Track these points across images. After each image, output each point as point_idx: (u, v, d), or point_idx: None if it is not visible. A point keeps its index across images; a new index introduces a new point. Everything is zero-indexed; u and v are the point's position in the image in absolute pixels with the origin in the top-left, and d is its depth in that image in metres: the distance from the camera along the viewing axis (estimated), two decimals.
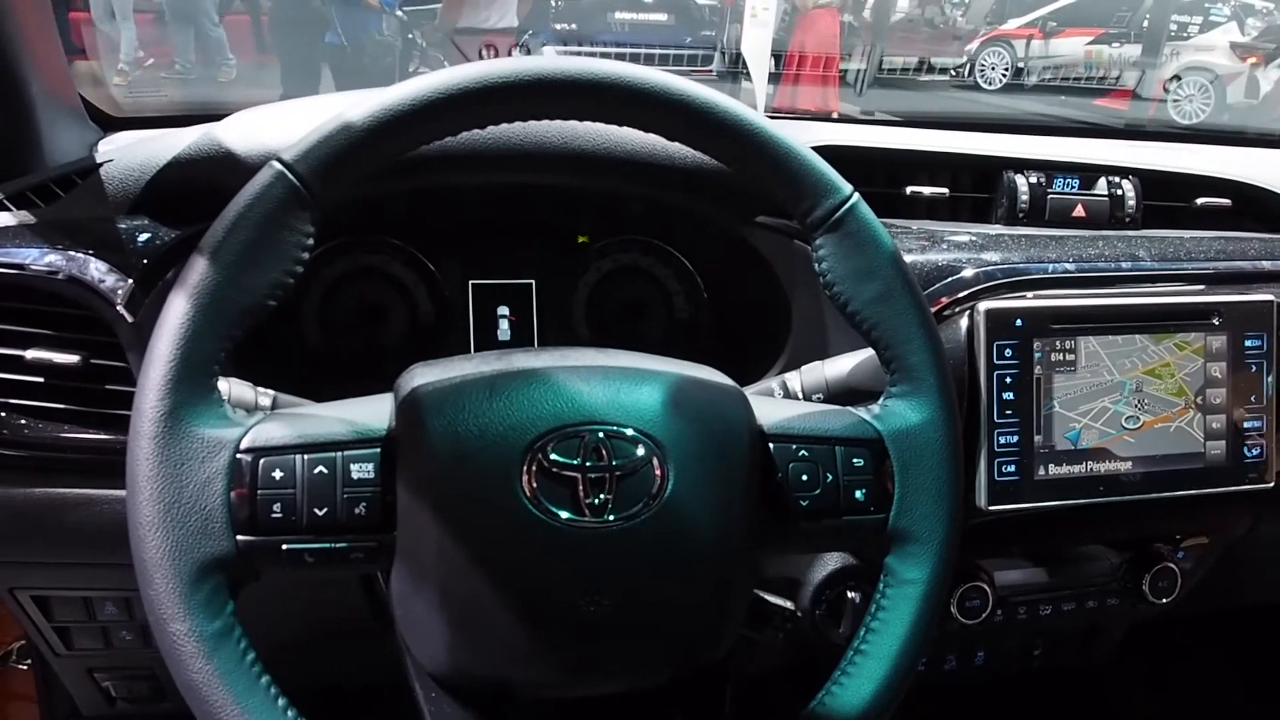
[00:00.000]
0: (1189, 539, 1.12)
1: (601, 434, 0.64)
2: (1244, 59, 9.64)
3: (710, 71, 8.00)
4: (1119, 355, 0.98)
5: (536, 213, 1.03)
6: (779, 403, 0.78)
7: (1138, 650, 1.31)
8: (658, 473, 0.65)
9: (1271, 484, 1.02)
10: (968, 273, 0.95)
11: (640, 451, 0.65)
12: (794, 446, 0.71)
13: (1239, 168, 1.16)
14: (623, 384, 0.67)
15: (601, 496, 0.63)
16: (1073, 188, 1.08)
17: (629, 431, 0.65)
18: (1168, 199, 1.12)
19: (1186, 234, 1.09)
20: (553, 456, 0.62)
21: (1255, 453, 1.02)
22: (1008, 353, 0.94)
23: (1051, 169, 1.08)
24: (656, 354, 0.73)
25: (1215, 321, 1.00)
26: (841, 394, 0.84)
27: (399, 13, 7.01)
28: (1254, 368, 1.02)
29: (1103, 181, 1.09)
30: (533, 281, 1.07)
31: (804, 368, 0.88)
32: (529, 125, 0.89)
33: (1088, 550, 1.10)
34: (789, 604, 0.81)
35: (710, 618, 0.68)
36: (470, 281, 1.05)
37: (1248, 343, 1.01)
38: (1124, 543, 1.10)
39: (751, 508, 0.69)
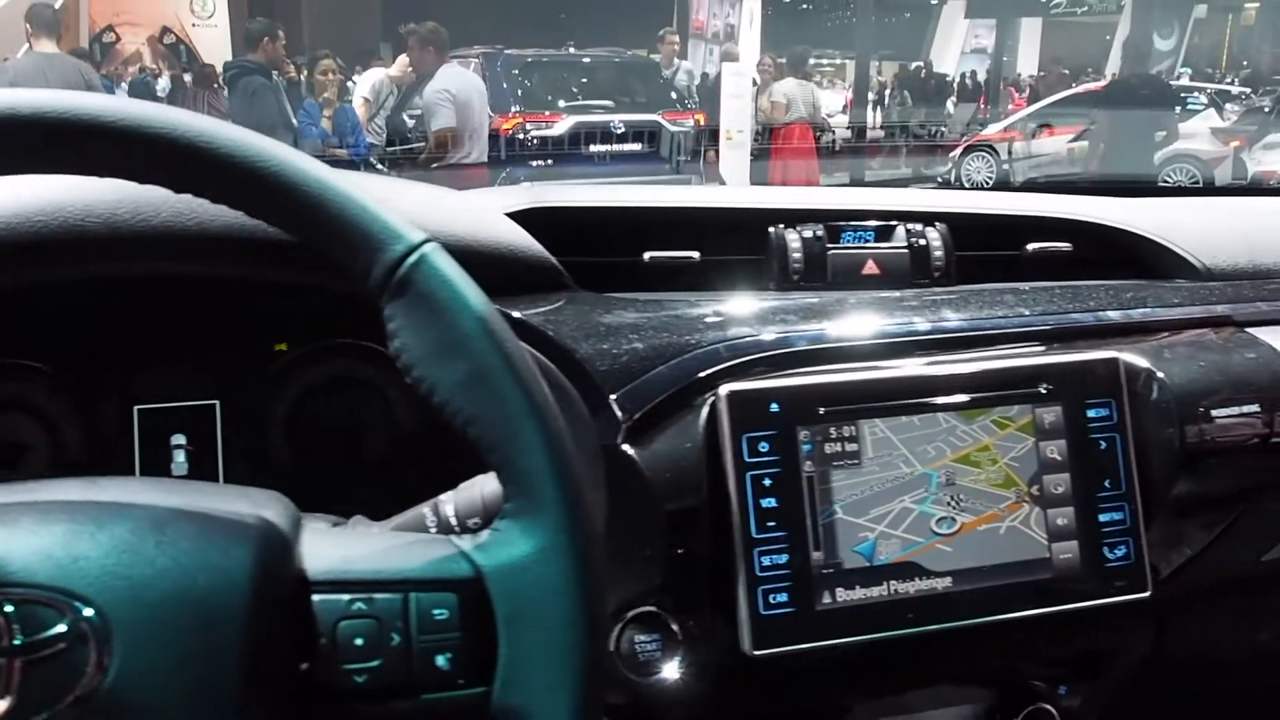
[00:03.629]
0: (1071, 669, 0.88)
1: (9, 603, 0.44)
2: (1226, 143, 9.63)
3: None
4: (918, 441, 0.77)
5: (218, 315, 0.85)
6: (350, 536, 0.58)
7: None
8: (93, 657, 0.44)
9: (1148, 593, 0.79)
10: (705, 350, 0.75)
11: (62, 627, 0.44)
12: (346, 598, 0.51)
13: (1091, 209, 0.97)
14: (67, 527, 0.47)
15: None
16: (866, 240, 0.89)
17: (50, 596, 0.45)
18: (994, 247, 0.92)
19: (1011, 286, 0.89)
20: None
21: (1120, 554, 0.79)
22: (763, 447, 0.73)
23: (836, 219, 0.89)
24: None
25: (1043, 390, 0.79)
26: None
27: (377, 164, 7.08)
28: (1103, 445, 0.80)
29: (901, 231, 0.90)
30: (216, 403, 0.88)
31: (462, 485, 0.67)
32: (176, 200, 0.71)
33: (940, 690, 0.86)
34: None
35: None
36: (136, 408, 0.87)
37: (1091, 414, 0.80)
38: (986, 681, 0.87)
39: (264, 694, 0.47)
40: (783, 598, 0.73)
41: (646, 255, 0.85)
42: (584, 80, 8.06)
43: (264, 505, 0.53)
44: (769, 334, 0.77)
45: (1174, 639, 0.92)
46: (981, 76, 16.39)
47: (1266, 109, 10.37)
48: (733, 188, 1.11)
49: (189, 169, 0.52)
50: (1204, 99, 11.01)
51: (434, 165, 6.34)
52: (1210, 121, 10.17)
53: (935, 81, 11.60)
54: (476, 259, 0.75)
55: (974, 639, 0.78)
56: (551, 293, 0.78)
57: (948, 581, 0.76)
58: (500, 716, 0.51)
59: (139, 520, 0.48)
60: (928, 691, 0.84)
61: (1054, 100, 10.36)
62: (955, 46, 19.74)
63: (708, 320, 0.77)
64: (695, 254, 0.85)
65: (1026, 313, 0.84)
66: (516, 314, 0.73)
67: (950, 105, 14.32)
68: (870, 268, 0.88)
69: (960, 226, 0.91)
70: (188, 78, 9.61)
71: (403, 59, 6.22)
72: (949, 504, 0.77)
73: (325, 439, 0.90)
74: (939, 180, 10.26)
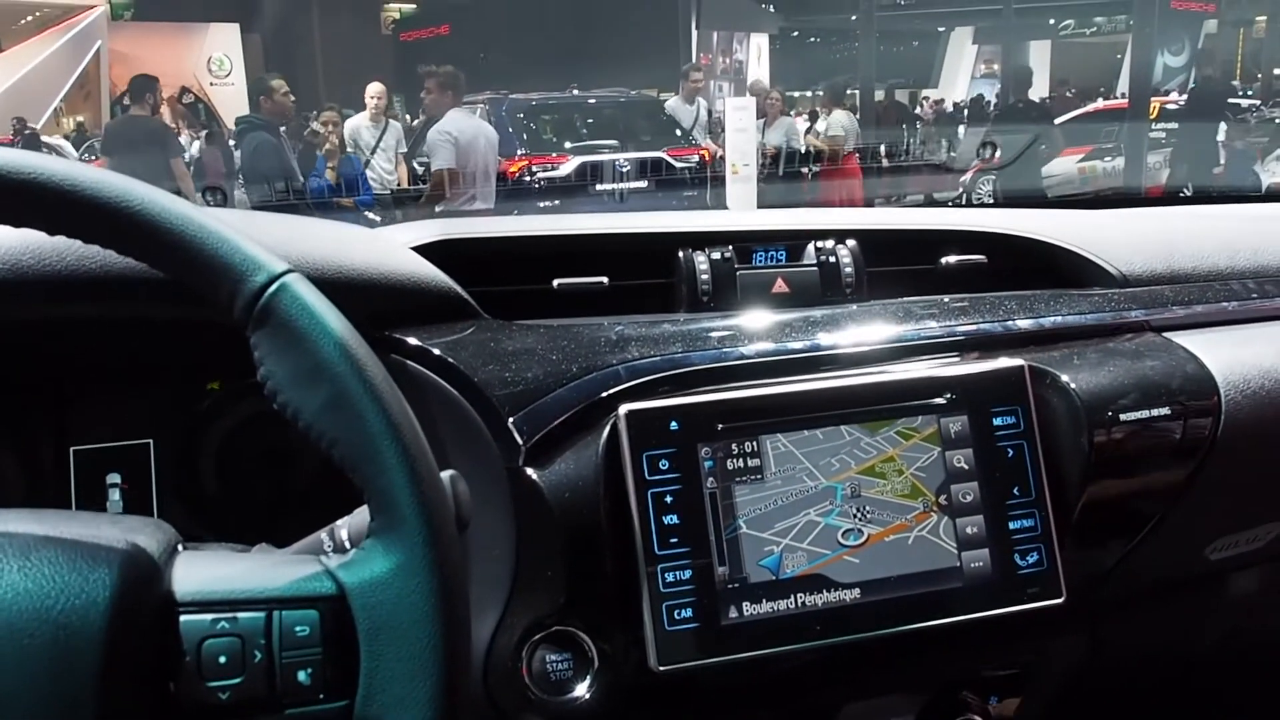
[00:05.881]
0: (998, 680, 0.88)
1: None
2: None
3: None
4: (821, 454, 0.78)
5: (149, 355, 0.88)
6: (222, 558, 0.60)
7: None
8: None
9: (1061, 599, 0.79)
10: (605, 371, 0.77)
11: None
12: (210, 617, 0.52)
13: (1004, 221, 0.98)
14: None
15: None
16: (777, 260, 0.91)
17: None
18: (909, 262, 0.94)
19: (922, 299, 0.90)
20: None
21: (1032, 560, 0.80)
22: (663, 464, 0.75)
23: (746, 241, 0.90)
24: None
25: (946, 399, 0.80)
26: None
27: (370, 214, 7.14)
28: (1011, 452, 0.81)
29: (811, 249, 0.91)
30: (150, 441, 0.90)
31: (357, 510, 0.69)
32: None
33: (861, 704, 0.86)
34: None
35: None
36: (72, 448, 0.89)
37: (998, 420, 0.81)
38: (909, 694, 0.87)
39: (124, 713, 0.49)
40: (688, 613, 0.74)
41: (556, 282, 0.87)
42: (589, 121, 8.15)
43: (137, 531, 0.55)
44: (670, 354, 0.79)
45: (1106, 647, 0.92)
46: (991, 100, 16.40)
47: (1278, 120, 10.32)
48: (641, 214, 1.12)
49: (58, 213, 0.54)
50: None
51: (438, 209, 6.42)
52: (1219, 135, 10.14)
53: (896, 111, 11.69)
54: (379, 291, 0.78)
55: (889, 651, 0.79)
56: (457, 322, 0.81)
57: (856, 593, 0.77)
58: None
59: (6, 548, 0.51)
60: (849, 705, 0.84)
61: (1062, 121, 10.35)
62: (965, 73, 19.81)
63: (611, 342, 0.79)
64: (604, 279, 0.87)
65: (935, 325, 0.86)
66: (414, 341, 0.76)
67: (961, 130, 14.34)
68: (780, 286, 0.90)
69: (873, 243, 0.93)
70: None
71: (371, 105, 6.30)
72: (855, 516, 0.78)
73: (256, 472, 0.92)
74: (950, 203, 10.26)
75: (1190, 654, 1.01)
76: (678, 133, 8.02)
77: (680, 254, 0.90)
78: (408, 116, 9.66)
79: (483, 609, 0.75)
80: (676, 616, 0.73)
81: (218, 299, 0.56)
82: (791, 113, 9.78)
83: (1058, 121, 10.61)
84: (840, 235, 0.92)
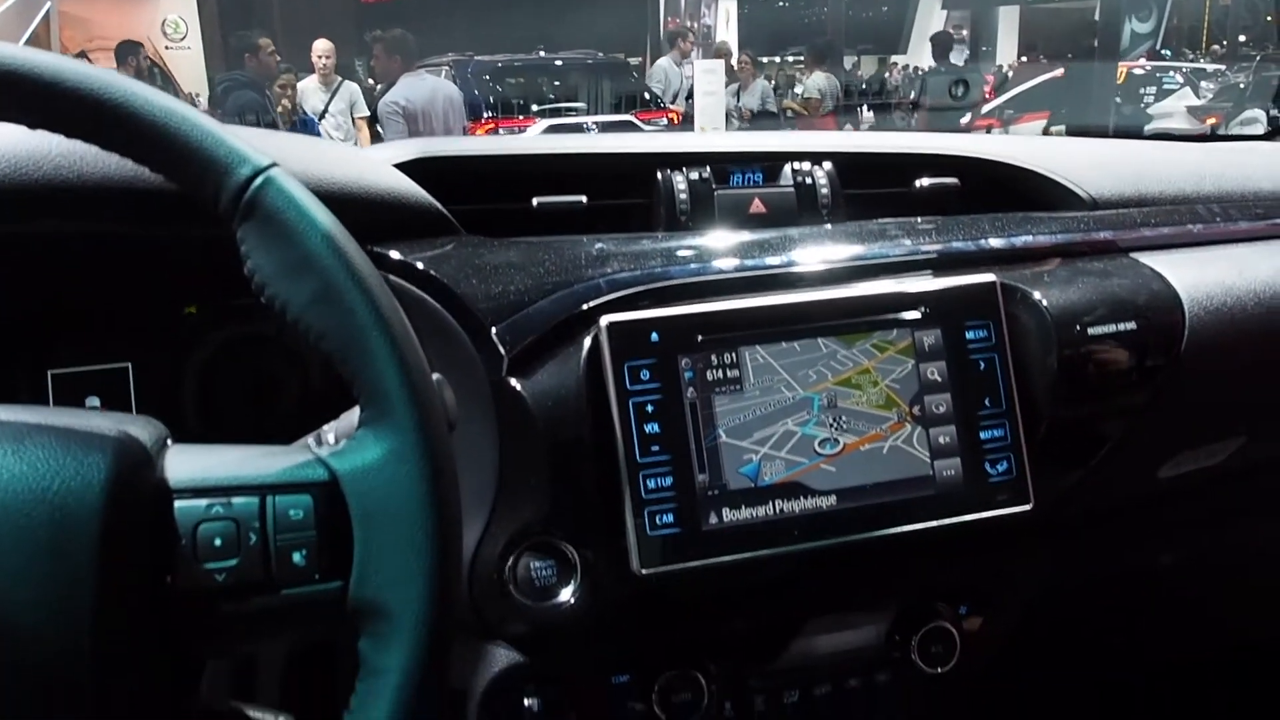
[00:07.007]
0: (969, 592, 0.91)
1: None
2: (1203, 120, 9.69)
3: None
4: (798, 366, 0.79)
5: (125, 278, 0.88)
6: (212, 450, 0.60)
7: None
8: None
9: (1029, 505, 0.82)
10: (587, 284, 0.78)
11: None
12: (204, 503, 0.53)
13: (978, 145, 0.99)
14: None
15: None
16: (755, 181, 0.92)
17: None
18: (884, 185, 0.95)
19: (897, 221, 0.92)
20: None
21: (1002, 469, 0.82)
22: (644, 375, 0.76)
23: (724, 162, 0.91)
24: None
25: (920, 313, 0.82)
26: None
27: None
28: (982, 364, 0.83)
29: (788, 170, 0.92)
30: (129, 365, 0.90)
31: (343, 415, 0.70)
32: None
33: (837, 611, 0.88)
34: (278, 718, 0.61)
35: None
36: (50, 371, 0.89)
37: (970, 334, 0.83)
38: (882, 601, 0.89)
39: (121, 594, 0.50)
40: (669, 519, 0.75)
41: (535, 201, 0.88)
42: (556, 84, 8.09)
43: (129, 423, 0.55)
44: (651, 269, 0.80)
45: (1072, 561, 0.95)
46: (960, 83, 16.42)
47: (1242, 85, 10.44)
48: (620, 134, 1.13)
49: (42, 104, 0.54)
50: (1180, 78, 11.08)
51: None
52: (1186, 100, 10.24)
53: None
54: (360, 204, 0.78)
55: (863, 557, 0.81)
56: (438, 238, 0.81)
57: (832, 500, 0.79)
58: (357, 608, 0.53)
59: None
60: (825, 613, 0.86)
61: (1025, 88, 10.42)
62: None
63: (591, 258, 0.80)
64: (583, 199, 0.88)
65: (909, 243, 0.87)
66: (396, 255, 0.76)
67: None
68: (757, 207, 0.91)
69: (848, 165, 0.94)
70: None
71: (318, 65, 6.10)
72: (831, 426, 0.79)
73: (238, 398, 0.92)
74: None
75: (1153, 571, 1.04)
76: (646, 96, 7.99)
77: (659, 174, 0.90)
78: (371, 80, 9.51)
79: (468, 519, 0.76)
80: (658, 522, 0.75)
81: (202, 193, 0.56)
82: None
83: (1005, 96, 10.68)
84: (817, 157, 0.93)
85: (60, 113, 0.55)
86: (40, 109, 0.55)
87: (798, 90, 8.59)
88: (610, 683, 0.82)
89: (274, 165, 0.56)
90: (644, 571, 0.74)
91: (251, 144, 0.56)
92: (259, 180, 0.55)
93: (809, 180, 0.92)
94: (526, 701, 0.80)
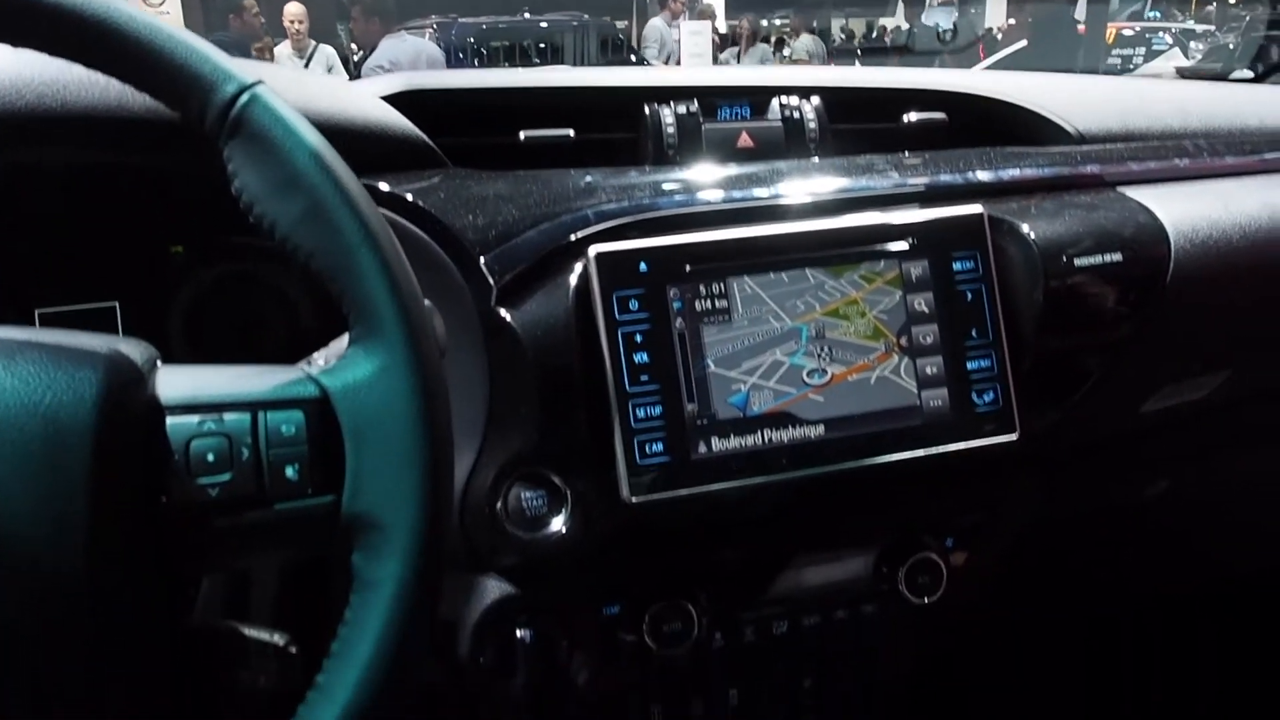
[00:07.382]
0: (956, 524, 0.92)
1: None
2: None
3: None
4: (787, 296, 0.80)
5: (111, 215, 0.87)
6: (203, 369, 0.60)
7: None
8: None
9: (1015, 435, 0.83)
10: (575, 215, 0.77)
11: None
12: (196, 419, 0.53)
13: (966, 80, 0.99)
14: None
15: None
16: (742, 116, 0.92)
17: None
18: (872, 120, 0.95)
19: (885, 155, 0.91)
20: None
21: (989, 399, 0.83)
22: (633, 305, 0.76)
23: (711, 96, 0.91)
24: None
25: (908, 244, 0.82)
26: None
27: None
28: (969, 295, 0.83)
29: (775, 104, 0.92)
30: (116, 304, 0.90)
31: (332, 342, 0.70)
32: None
33: (837, 550, 0.89)
34: (274, 636, 0.61)
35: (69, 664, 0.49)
36: (37, 310, 0.89)
37: (957, 265, 0.83)
38: (869, 532, 0.90)
39: (115, 508, 0.50)
40: (658, 448, 0.76)
41: (522, 135, 0.87)
42: (541, 46, 8.01)
43: (119, 343, 0.55)
44: (639, 200, 0.80)
45: (1058, 494, 0.95)
46: (948, 29, 16.33)
47: (1231, 46, 10.41)
48: (609, 68, 1.11)
49: (24, 22, 0.53)
50: (1169, 39, 11.05)
51: None
52: (1175, 60, 10.21)
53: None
54: (347, 134, 0.77)
55: (851, 487, 0.82)
56: (425, 170, 0.81)
57: (820, 429, 0.79)
58: (350, 522, 0.54)
59: None
60: (814, 544, 0.87)
61: (1015, 50, 10.36)
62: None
63: (579, 189, 0.80)
64: (570, 132, 0.87)
65: (897, 177, 0.87)
66: (384, 186, 0.76)
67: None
68: (744, 141, 0.90)
69: (836, 100, 0.94)
70: None
71: (290, 30, 5.99)
72: (819, 356, 0.80)
73: (226, 338, 0.92)
74: None
75: (1138, 504, 1.06)
76: (633, 59, 7.92)
77: (646, 108, 0.90)
78: (354, 45, 9.39)
79: (458, 451, 0.76)
80: (648, 451, 0.75)
81: (188, 111, 0.55)
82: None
83: (995, 57, 10.63)
84: (805, 92, 0.93)
85: (43, 30, 0.54)
86: (22, 26, 0.54)
87: (785, 53, 8.61)
88: (601, 613, 0.83)
89: (260, 82, 0.55)
90: (634, 500, 0.74)
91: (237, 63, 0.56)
92: (245, 97, 0.54)
93: (797, 114, 0.92)
94: (519, 633, 0.81)
